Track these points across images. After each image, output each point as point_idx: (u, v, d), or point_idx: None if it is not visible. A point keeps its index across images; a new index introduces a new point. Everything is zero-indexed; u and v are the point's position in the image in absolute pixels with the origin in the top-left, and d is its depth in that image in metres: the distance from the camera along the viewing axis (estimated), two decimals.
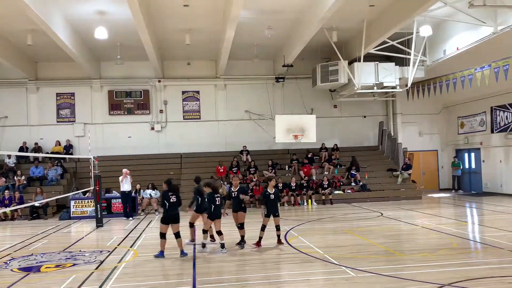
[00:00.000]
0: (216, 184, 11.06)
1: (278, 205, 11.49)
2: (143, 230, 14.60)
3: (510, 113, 20.83)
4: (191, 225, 11.69)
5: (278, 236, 11.18)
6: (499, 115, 21.68)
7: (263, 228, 11.05)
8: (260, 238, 11.05)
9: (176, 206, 10.33)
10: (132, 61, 23.43)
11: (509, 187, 21.23)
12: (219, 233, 10.54)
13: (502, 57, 17.02)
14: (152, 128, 24.51)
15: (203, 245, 10.82)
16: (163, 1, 15.87)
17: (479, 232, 12.61)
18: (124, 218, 17.40)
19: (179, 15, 17.14)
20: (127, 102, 24.39)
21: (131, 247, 11.68)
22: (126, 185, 17.47)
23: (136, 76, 24.32)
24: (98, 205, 15.83)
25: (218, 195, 10.77)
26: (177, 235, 10.19)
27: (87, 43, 20.70)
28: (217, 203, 10.63)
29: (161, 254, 10.15)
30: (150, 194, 19.43)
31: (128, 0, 13.66)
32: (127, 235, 13.66)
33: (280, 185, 20.63)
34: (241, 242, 10.98)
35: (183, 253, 10.17)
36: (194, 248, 10.95)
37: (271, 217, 11.04)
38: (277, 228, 11.10)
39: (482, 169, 23.28)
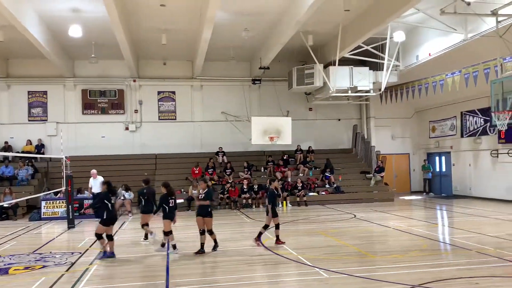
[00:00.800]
0: (172, 188, 11.18)
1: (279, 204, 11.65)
2: (116, 232, 14.40)
3: (479, 118, 21.42)
4: (144, 225, 12.13)
5: (277, 236, 11.45)
6: (468, 120, 22.28)
7: (265, 227, 11.44)
8: (260, 233, 11.43)
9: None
10: (106, 60, 23.13)
11: (477, 190, 21.83)
12: (168, 233, 10.73)
13: (472, 64, 17.50)
14: (127, 128, 24.23)
15: (163, 245, 10.98)
16: (140, 0, 15.74)
17: (449, 234, 12.94)
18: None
19: (156, 15, 17.02)
20: (101, 101, 24.05)
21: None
22: (95, 187, 17.18)
23: (111, 75, 24.01)
24: (70, 206, 15.56)
25: (173, 197, 10.98)
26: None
27: (61, 41, 20.32)
28: (171, 205, 10.85)
29: (111, 255, 10.18)
30: (123, 195, 19.17)
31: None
32: None
33: (256, 186, 20.73)
34: (215, 247, 10.75)
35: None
36: (168, 250, 10.87)
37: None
38: (277, 227, 11.41)
39: (452, 172, 23.86)
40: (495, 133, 20.11)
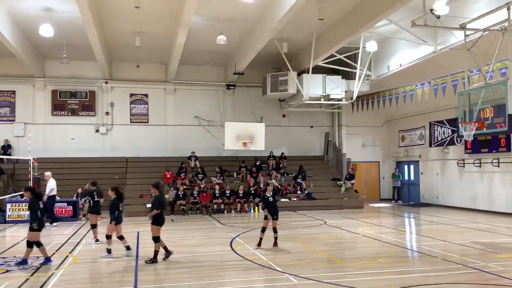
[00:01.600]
0: (121, 191, 11.16)
1: (277, 208, 11.78)
2: (84, 236, 14.14)
3: (447, 129, 22.01)
4: (93, 226, 12.53)
5: (275, 238, 11.53)
6: (437, 130, 22.86)
7: (263, 230, 11.51)
8: (261, 239, 11.45)
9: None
10: (78, 61, 22.76)
11: (444, 198, 22.38)
12: (109, 237, 10.71)
13: (440, 75, 18.01)
14: (97, 131, 23.83)
15: (109, 251, 10.71)
16: (114, 2, 15.57)
17: (416, 241, 13.22)
18: (48, 224, 16.55)
19: (130, 17, 16.87)
20: (72, 102, 23.61)
21: (70, 252, 11.29)
22: (47, 189, 16.75)
23: (82, 76, 23.61)
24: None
25: (122, 202, 11.05)
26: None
27: (31, 40, 19.88)
28: (120, 209, 10.88)
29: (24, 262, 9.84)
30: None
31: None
32: (67, 240, 13.19)
33: (228, 192, 20.69)
34: (166, 256, 10.29)
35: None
36: (137, 256, 10.73)
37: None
38: (274, 230, 11.49)
39: (420, 181, 24.39)
40: (462, 144, 20.69)
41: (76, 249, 11.87)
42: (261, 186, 22.00)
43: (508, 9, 12.56)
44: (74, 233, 14.66)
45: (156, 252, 10.04)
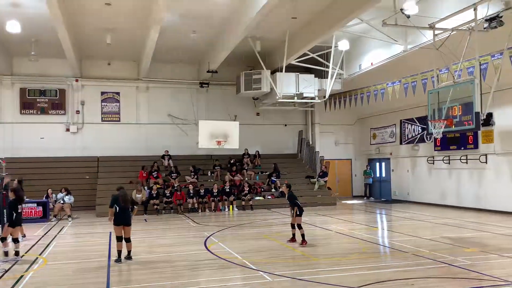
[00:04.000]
0: (20, 193, 11.11)
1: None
2: (54, 237, 13.85)
3: (417, 127, 22.48)
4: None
5: (303, 235, 11.73)
6: (407, 128, 23.32)
7: (299, 226, 11.78)
8: (303, 235, 11.70)
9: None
10: (48, 58, 22.22)
11: (415, 195, 22.85)
12: (16, 240, 10.60)
13: (411, 74, 18.38)
14: (67, 130, 23.33)
15: (6, 253, 10.60)
16: None
17: (387, 237, 13.46)
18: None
19: (101, 14, 16.57)
20: (41, 101, 23.04)
21: (40, 254, 11.05)
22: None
23: (52, 74, 23.05)
24: (5, 210, 14.73)
25: (22, 203, 11.12)
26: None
27: None
28: (19, 210, 10.81)
29: None
30: (63, 199, 18.46)
31: None
32: (36, 242, 12.89)
33: (202, 191, 20.60)
34: (128, 256, 10.22)
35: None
36: (109, 257, 10.58)
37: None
38: (299, 226, 11.78)
39: (391, 177, 24.84)
40: (432, 141, 21.17)
41: (46, 250, 11.61)
42: (237, 184, 22.02)
43: (475, 9, 12.89)
44: (44, 234, 14.33)
45: (118, 252, 10.06)
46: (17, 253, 10.48)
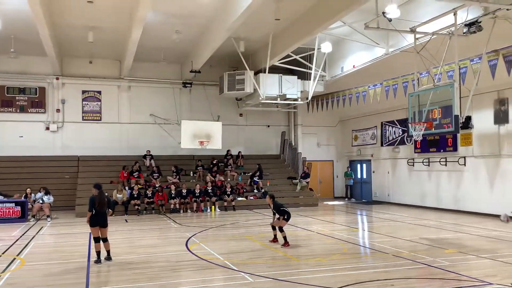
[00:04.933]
0: None
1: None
2: (33, 237, 13.62)
3: (398, 129, 22.76)
4: None
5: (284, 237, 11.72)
6: (388, 130, 23.59)
7: (280, 229, 11.86)
8: (285, 237, 11.69)
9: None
10: (28, 56, 21.90)
11: (395, 196, 23.13)
12: None
13: (392, 77, 18.61)
14: (47, 128, 22.98)
15: None
16: None
17: (368, 238, 13.59)
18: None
19: (83, 11, 16.37)
20: (20, 99, 22.63)
21: (17, 255, 10.85)
22: None
23: (32, 72, 22.69)
24: None
25: None
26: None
27: None
28: None
29: None
30: (42, 199, 18.16)
31: None
32: (14, 243, 12.66)
33: (184, 191, 20.50)
34: (107, 257, 10.12)
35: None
36: (89, 258, 10.46)
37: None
38: (280, 229, 11.84)
39: (372, 179, 25.10)
40: (412, 143, 21.46)
41: (24, 251, 11.42)
42: (218, 185, 21.97)
43: (455, 14, 13.13)
44: (22, 235, 14.08)
45: (96, 252, 9.96)
46: None
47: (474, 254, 10.40)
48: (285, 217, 11.89)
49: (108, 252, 10.13)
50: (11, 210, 17.31)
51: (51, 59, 20.61)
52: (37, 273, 9.13)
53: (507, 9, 12.07)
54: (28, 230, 15.22)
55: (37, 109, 22.85)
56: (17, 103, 22.59)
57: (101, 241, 10.06)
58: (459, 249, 11.07)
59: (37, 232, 14.70)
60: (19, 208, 17.45)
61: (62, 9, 16.28)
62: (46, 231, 15.11)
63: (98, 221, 10.01)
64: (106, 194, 10.76)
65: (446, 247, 11.33)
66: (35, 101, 22.84)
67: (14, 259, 10.43)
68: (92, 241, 10.23)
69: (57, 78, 23.05)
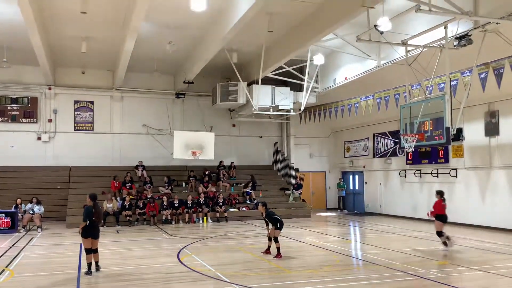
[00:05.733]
0: None
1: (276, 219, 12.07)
2: (23, 248, 13.46)
3: (390, 140, 22.89)
4: None
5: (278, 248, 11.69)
6: (380, 141, 23.71)
7: (275, 239, 11.78)
8: (278, 248, 11.66)
9: None
10: (20, 65, 21.84)
11: (387, 208, 23.16)
12: None
13: (384, 89, 18.76)
14: (39, 138, 22.84)
15: None
16: (59, 6, 15.07)
17: (361, 250, 13.58)
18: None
19: (76, 22, 16.38)
20: (12, 108, 22.51)
21: (6, 266, 10.71)
22: None
23: (24, 82, 22.60)
24: None
25: None
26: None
27: None
28: None
29: None
30: (32, 209, 17.96)
31: (19, 0, 12.76)
32: (3, 254, 12.49)
33: (176, 202, 20.39)
34: (96, 268, 10.03)
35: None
36: (79, 270, 10.34)
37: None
38: (275, 240, 11.79)
39: (364, 190, 25.14)
40: (404, 155, 21.57)
41: (14, 262, 11.27)
42: (211, 196, 21.89)
43: (445, 27, 13.28)
44: (12, 246, 13.90)
45: (87, 264, 9.84)
46: None
47: (466, 266, 10.42)
48: (278, 226, 11.86)
49: (97, 263, 10.03)
50: (1, 221, 17.12)
51: (43, 69, 20.57)
52: (27, 285, 9.02)
53: (497, 23, 12.24)
54: (18, 241, 15.03)
55: (29, 119, 22.73)
56: (8, 112, 22.46)
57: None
58: (452, 261, 11.09)
59: (27, 243, 14.53)
60: (9, 218, 17.26)
61: (55, 19, 16.29)
62: (36, 242, 14.94)
63: (91, 232, 9.88)
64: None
65: (438, 259, 11.35)
66: (27, 111, 22.73)
67: (3, 270, 10.29)
68: (84, 253, 10.12)
69: (50, 88, 22.98)
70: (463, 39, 13.14)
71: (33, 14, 13.96)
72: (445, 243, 12.67)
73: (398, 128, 17.74)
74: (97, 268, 9.99)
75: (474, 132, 17.67)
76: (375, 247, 13.38)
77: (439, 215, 12.85)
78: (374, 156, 24.15)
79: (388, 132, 22.89)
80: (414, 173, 21.07)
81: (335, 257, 11.78)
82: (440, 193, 13.25)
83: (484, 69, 14.22)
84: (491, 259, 11.40)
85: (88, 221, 9.80)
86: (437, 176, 19.72)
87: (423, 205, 20.59)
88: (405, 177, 21.79)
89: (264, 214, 12.24)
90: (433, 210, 13.01)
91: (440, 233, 12.83)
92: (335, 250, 12.78)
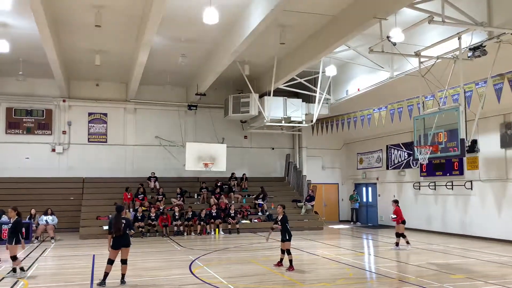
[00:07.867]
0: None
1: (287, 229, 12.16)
2: (36, 259, 13.55)
3: (403, 152, 22.69)
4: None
5: (290, 261, 11.63)
6: (393, 153, 23.52)
7: (288, 252, 11.80)
8: (290, 261, 11.63)
9: None
10: (35, 78, 22.20)
11: None
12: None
13: (397, 100, 18.65)
14: (53, 150, 23.10)
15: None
16: (73, 19, 15.33)
17: (374, 263, 13.40)
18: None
19: (90, 35, 16.64)
20: (27, 121, 22.85)
21: (21, 277, 10.76)
22: None
23: (39, 94, 22.96)
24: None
25: None
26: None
27: None
28: None
29: None
30: (46, 220, 18.10)
31: (35, 15, 13.01)
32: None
33: (190, 213, 20.39)
34: (122, 280, 9.97)
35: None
36: (92, 281, 10.36)
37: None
38: (288, 252, 11.76)
39: (378, 202, 24.89)
40: (418, 167, 21.34)
41: (28, 273, 11.32)
42: (223, 207, 21.85)
43: (459, 38, 13.21)
44: (26, 256, 13.99)
45: (104, 273, 9.78)
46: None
47: (482, 280, 10.21)
48: (287, 237, 11.89)
49: (123, 275, 9.92)
50: None
51: (58, 81, 20.87)
52: None
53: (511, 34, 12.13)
54: (32, 251, 15.13)
55: (44, 131, 23.03)
56: (24, 124, 22.80)
57: (121, 262, 9.88)
58: (467, 275, 10.88)
59: (41, 254, 14.62)
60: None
61: (70, 33, 16.55)
62: (50, 253, 15.02)
63: (120, 243, 9.84)
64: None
65: (453, 272, 11.15)
66: (42, 123, 23.05)
67: (18, 280, 10.34)
68: (97, 263, 10.13)
69: (64, 100, 23.29)
70: (478, 50, 13.01)
71: (49, 29, 14.21)
72: (397, 244, 15.30)
73: (411, 140, 17.59)
74: (123, 281, 9.86)
75: (489, 144, 17.44)
76: (388, 260, 13.21)
77: (404, 220, 15.68)
78: (387, 168, 23.94)
79: (402, 143, 22.70)
80: (429, 185, 20.82)
81: (348, 270, 11.64)
82: (396, 202, 16.19)
83: (499, 80, 14.08)
84: (507, 273, 11.17)
85: (113, 233, 9.83)
86: (452, 188, 19.46)
87: (438, 218, 20.36)
88: (419, 189, 21.55)
89: (280, 217, 12.30)
90: (395, 216, 15.59)
91: (403, 235, 15.38)
92: (348, 263, 12.63)
